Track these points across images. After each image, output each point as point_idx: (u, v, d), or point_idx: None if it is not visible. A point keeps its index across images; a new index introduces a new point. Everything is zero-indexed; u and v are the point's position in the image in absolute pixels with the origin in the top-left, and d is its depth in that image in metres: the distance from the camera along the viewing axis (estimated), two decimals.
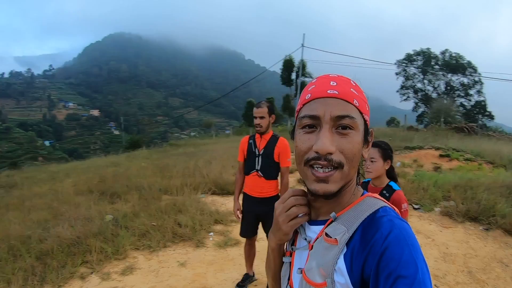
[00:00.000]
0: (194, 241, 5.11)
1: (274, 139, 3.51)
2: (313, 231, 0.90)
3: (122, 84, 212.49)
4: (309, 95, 0.83)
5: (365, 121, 0.85)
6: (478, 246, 5.04)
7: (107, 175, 10.34)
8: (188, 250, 4.88)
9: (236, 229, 5.66)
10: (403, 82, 40.90)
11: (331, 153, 0.77)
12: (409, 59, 40.69)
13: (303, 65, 30.41)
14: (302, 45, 27.24)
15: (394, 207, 0.86)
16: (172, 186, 7.96)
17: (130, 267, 4.24)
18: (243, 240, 3.92)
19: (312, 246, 0.87)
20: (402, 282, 0.67)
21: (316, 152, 0.78)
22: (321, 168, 0.78)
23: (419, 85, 40.84)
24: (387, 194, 2.50)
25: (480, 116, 36.48)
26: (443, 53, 39.51)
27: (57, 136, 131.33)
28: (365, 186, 2.69)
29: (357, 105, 0.82)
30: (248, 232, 3.74)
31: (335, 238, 0.79)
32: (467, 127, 19.41)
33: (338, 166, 0.79)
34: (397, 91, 41.31)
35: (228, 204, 7.05)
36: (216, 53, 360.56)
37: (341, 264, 0.77)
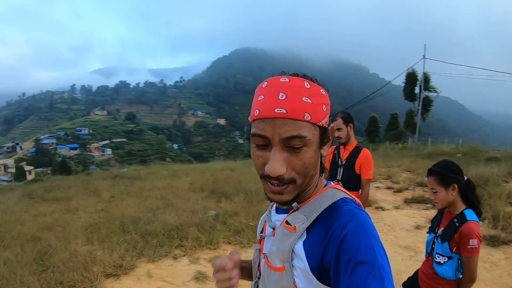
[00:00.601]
0: None
1: (357, 150, 3.51)
2: (278, 219, 0.94)
3: (247, 95, 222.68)
4: (258, 111, 0.81)
5: (320, 127, 0.83)
6: None
7: (221, 177, 11.11)
8: None
9: None
10: None
11: (281, 175, 0.79)
12: None
13: (426, 78, 28.31)
14: (424, 57, 25.56)
15: (355, 198, 0.88)
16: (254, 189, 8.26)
17: (219, 257, 4.66)
18: None
19: (275, 232, 0.92)
20: (362, 267, 0.69)
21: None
22: (275, 184, 0.81)
23: None
24: (457, 224, 2.12)
25: None
26: None
27: (185, 141, 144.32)
28: (442, 212, 2.34)
29: (309, 119, 0.79)
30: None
31: (294, 226, 0.84)
32: None
33: (290, 182, 0.80)
34: None
35: None
36: (340, 66, 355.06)
37: (299, 250, 0.81)
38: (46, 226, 6.19)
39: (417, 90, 31.56)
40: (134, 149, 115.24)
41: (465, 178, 2.21)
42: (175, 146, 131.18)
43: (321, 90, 0.84)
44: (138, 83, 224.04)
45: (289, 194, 0.82)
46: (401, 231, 6.38)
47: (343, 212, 0.79)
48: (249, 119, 0.86)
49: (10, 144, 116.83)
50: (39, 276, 3.95)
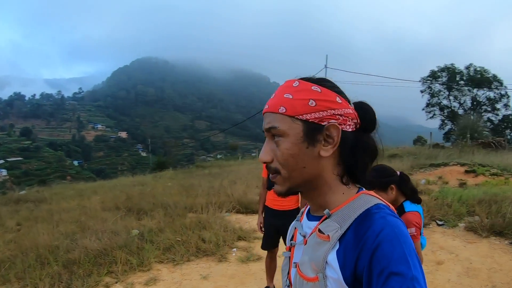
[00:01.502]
0: (217, 256, 5.20)
1: None
2: (309, 226, 0.93)
3: (149, 107, 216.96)
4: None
5: (304, 120, 0.83)
6: (503, 260, 4.95)
7: (134, 193, 10.63)
8: (211, 264, 4.98)
9: (259, 245, 5.72)
10: (429, 100, 40.13)
11: (269, 162, 0.88)
12: (433, 76, 40.06)
13: None
14: (325, 66, 27.29)
15: (390, 205, 0.86)
16: (197, 204, 8.08)
17: (154, 279, 4.39)
18: (265, 255, 4.00)
19: (307, 241, 0.89)
20: (395, 279, 0.68)
21: None
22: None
23: (444, 102, 39.99)
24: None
25: (508, 130, 35.45)
26: (467, 68, 38.66)
27: (85, 156, 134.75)
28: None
29: (283, 111, 0.84)
30: (269, 245, 3.82)
31: (328, 235, 0.81)
32: (494, 142, 18.98)
33: (276, 172, 0.88)
34: (423, 109, 40.57)
35: (252, 222, 7.12)
36: (241, 76, 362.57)
37: (333, 259, 0.78)
38: None
39: None
40: (32, 168, 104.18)
41: (398, 173, 2.41)
42: (75, 162, 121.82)
43: (314, 86, 0.85)
44: (34, 95, 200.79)
45: (280, 185, 0.89)
46: None
47: (376, 220, 0.77)
48: None
49: None
50: None
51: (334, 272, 0.78)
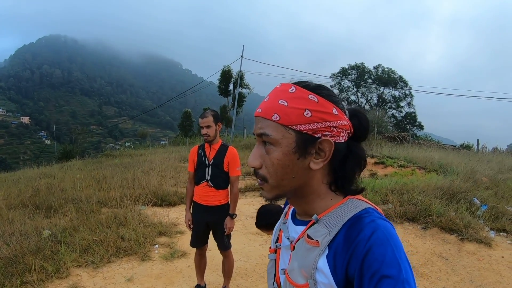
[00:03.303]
0: (139, 254, 4.97)
1: (223, 149, 3.54)
2: (295, 231, 0.92)
3: (54, 90, 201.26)
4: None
5: (298, 131, 0.81)
6: (418, 243, 5.44)
7: (41, 187, 9.76)
8: (133, 264, 4.73)
9: (181, 240, 5.61)
10: (337, 95, 42.60)
11: (257, 168, 0.86)
12: (343, 72, 42.67)
13: (241, 76, 30.63)
14: (241, 56, 27.44)
15: (377, 208, 0.87)
16: (111, 198, 7.74)
17: (74, 286, 4.02)
18: (190, 251, 3.92)
19: (294, 246, 0.88)
20: (386, 282, 0.69)
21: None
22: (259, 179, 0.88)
23: (352, 97, 42.89)
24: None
25: (410, 126, 38.94)
26: (376, 67, 41.89)
27: None
28: None
29: (277, 119, 0.81)
30: (199, 242, 3.72)
31: (317, 240, 0.81)
32: (399, 136, 20.66)
33: (263, 179, 0.86)
34: None
35: (170, 215, 6.97)
36: (153, 61, 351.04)
37: (323, 265, 0.79)
38: None
39: (231, 87, 34.20)
40: None
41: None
42: None
43: (311, 95, 0.82)
44: None
45: (268, 192, 0.88)
46: (247, 219, 6.79)
47: (367, 224, 0.77)
48: None
49: None
50: None
51: (325, 277, 0.78)
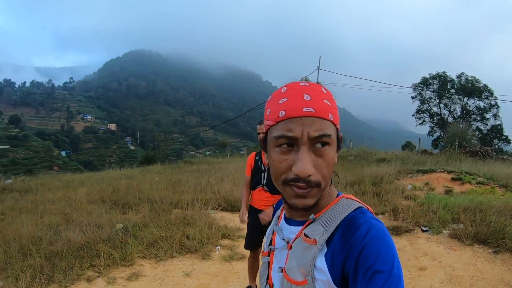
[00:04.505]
0: (200, 253, 5.18)
1: None
2: (291, 231, 0.93)
3: (140, 100, 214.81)
4: (283, 112, 0.82)
5: (337, 129, 0.87)
6: (486, 268, 5.00)
7: (120, 186, 10.52)
8: (194, 261, 4.95)
9: (243, 244, 5.72)
10: (419, 106, 40.50)
11: (310, 175, 0.80)
12: (425, 83, 40.45)
13: None
14: (318, 68, 27.30)
15: (369, 207, 0.91)
16: (183, 200, 8.06)
17: (136, 274, 4.34)
18: (248, 254, 3.99)
19: (291, 246, 0.91)
20: (379, 276, 0.72)
21: (296, 175, 0.79)
22: (301, 187, 0.81)
23: (435, 109, 40.40)
24: None
25: (496, 140, 35.87)
26: (459, 76, 39.18)
27: (74, 147, 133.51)
28: None
29: (332, 119, 0.83)
30: (252, 244, 3.81)
31: (314, 238, 0.84)
32: (481, 151, 19.19)
33: (316, 185, 0.81)
34: (413, 115, 40.93)
35: (237, 220, 7.10)
36: (234, 73, 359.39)
37: (321, 262, 0.82)
38: None
39: None
40: (19, 157, 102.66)
41: None
42: (63, 153, 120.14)
43: (333, 97, 0.87)
44: (24, 83, 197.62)
45: (312, 197, 0.83)
46: None
47: (362, 223, 0.80)
48: (269, 123, 0.86)
49: None
50: None
51: (323, 274, 0.81)
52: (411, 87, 40.32)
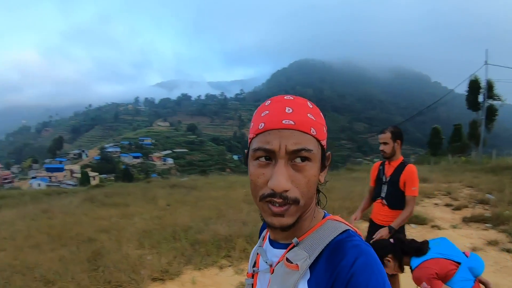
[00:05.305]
0: None
1: (401, 166, 3.32)
2: (275, 254, 0.89)
3: None
4: (263, 124, 0.79)
5: (322, 146, 0.82)
6: None
7: None
8: None
9: None
10: None
11: (286, 190, 0.75)
12: None
13: (489, 86, 25.94)
14: (486, 63, 23.69)
15: (357, 230, 0.86)
16: (329, 207, 8.04)
17: None
18: None
19: (273, 270, 0.87)
20: None
21: (272, 189, 0.75)
22: (277, 204, 0.76)
23: None
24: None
25: None
26: None
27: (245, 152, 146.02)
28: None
29: (314, 133, 0.79)
30: None
31: (296, 264, 0.80)
32: None
33: (294, 202, 0.76)
34: None
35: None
36: (400, 75, 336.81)
37: None
38: (102, 229, 6.55)
39: (480, 98, 29.26)
40: (195, 160, 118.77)
41: (391, 241, 2.52)
42: (235, 157, 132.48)
43: (320, 113, 0.84)
44: (199, 96, 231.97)
45: (290, 217, 0.77)
46: None
47: (350, 249, 0.76)
48: (250, 136, 0.84)
49: (76, 151, 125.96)
50: (90, 274, 4.26)
51: None
52: None
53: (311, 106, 0.82)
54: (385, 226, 3.27)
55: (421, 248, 2.37)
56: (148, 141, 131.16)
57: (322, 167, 0.83)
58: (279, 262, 0.85)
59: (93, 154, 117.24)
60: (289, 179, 0.75)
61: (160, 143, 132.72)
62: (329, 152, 0.87)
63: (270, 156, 0.77)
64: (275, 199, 0.75)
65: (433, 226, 6.67)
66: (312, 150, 0.77)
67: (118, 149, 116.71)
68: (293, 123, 0.76)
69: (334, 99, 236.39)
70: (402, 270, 2.44)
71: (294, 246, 0.83)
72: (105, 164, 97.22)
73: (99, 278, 4.17)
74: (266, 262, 0.90)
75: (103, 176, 74.71)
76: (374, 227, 3.48)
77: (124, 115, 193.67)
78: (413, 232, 6.16)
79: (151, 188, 13.81)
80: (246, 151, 0.88)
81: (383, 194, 3.40)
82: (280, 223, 0.77)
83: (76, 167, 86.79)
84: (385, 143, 3.29)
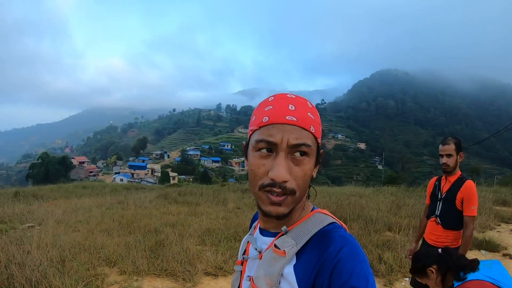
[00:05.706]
0: (386, 279, 4.90)
1: (459, 182, 3.10)
2: (264, 242, 0.95)
3: (388, 120, 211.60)
4: (267, 118, 0.85)
5: (318, 144, 0.89)
6: None
7: (346, 202, 10.74)
8: (379, 286, 4.71)
9: None
10: None
11: (285, 181, 0.81)
12: None
13: None
14: None
15: (343, 224, 0.92)
16: (397, 224, 7.71)
17: None
18: None
19: (262, 256, 0.92)
20: None
21: (272, 179, 0.81)
22: (276, 193, 0.82)
23: None
24: None
25: None
26: None
27: (324, 163, 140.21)
28: None
29: (313, 131, 0.86)
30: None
31: (284, 250, 0.85)
32: None
33: (291, 193, 0.82)
34: None
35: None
36: (486, 87, 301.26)
37: (289, 273, 0.83)
38: (169, 223, 7.04)
39: None
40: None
41: (439, 251, 2.36)
42: None
43: (317, 113, 0.92)
44: None
45: (287, 206, 0.84)
46: None
47: (336, 238, 0.82)
48: (252, 128, 0.90)
49: (159, 152, 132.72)
50: (149, 261, 4.66)
51: (289, 285, 0.83)
52: None
53: (310, 106, 0.89)
54: (437, 247, 3.08)
55: (469, 266, 2.20)
56: (228, 146, 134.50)
57: (316, 163, 0.90)
58: (267, 248, 0.92)
59: (174, 155, 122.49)
60: (288, 171, 0.82)
61: (239, 149, 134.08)
62: (322, 150, 0.93)
63: (271, 148, 0.83)
64: (275, 189, 0.81)
65: (504, 255, 6.11)
66: (311, 146, 0.84)
67: (199, 153, 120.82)
68: (295, 119, 0.83)
69: (416, 112, 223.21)
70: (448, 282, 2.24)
71: (283, 234, 0.89)
72: (185, 166, 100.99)
73: (156, 265, 4.55)
74: (256, 249, 0.96)
75: (182, 177, 77.78)
76: (424, 246, 3.33)
77: (206, 120, 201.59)
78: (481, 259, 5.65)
79: (224, 191, 14.25)
80: (244, 142, 0.97)
81: (437, 212, 3.22)
82: (277, 212, 0.83)
83: (158, 167, 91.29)
84: (448, 155, 3.10)
